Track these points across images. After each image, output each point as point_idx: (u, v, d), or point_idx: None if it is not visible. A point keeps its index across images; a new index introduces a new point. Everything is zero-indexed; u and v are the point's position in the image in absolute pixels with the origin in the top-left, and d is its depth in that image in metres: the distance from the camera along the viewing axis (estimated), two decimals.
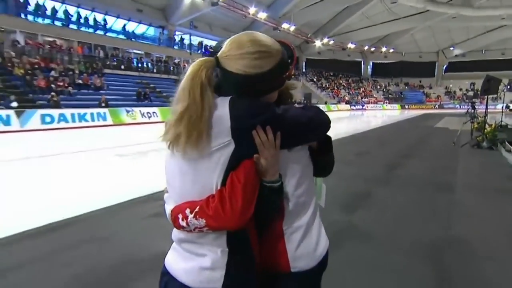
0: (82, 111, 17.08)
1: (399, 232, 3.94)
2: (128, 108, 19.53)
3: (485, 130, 11.06)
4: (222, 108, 0.99)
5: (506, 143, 9.82)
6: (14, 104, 15.02)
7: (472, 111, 13.70)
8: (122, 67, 24.63)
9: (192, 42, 32.41)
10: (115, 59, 24.67)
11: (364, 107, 41.95)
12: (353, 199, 5.23)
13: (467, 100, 42.11)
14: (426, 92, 47.63)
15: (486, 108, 11.70)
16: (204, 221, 0.98)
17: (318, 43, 38.82)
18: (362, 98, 44.76)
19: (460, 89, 46.62)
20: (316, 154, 1.18)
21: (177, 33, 30.47)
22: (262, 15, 29.40)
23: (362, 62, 50.42)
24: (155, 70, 27.11)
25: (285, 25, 32.39)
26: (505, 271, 3.11)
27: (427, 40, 44.97)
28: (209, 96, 0.98)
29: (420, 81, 49.46)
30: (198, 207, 0.98)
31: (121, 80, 23.40)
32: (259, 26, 32.31)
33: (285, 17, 31.71)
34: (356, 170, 7.24)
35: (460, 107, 40.90)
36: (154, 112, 20.76)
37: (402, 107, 42.43)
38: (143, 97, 22.22)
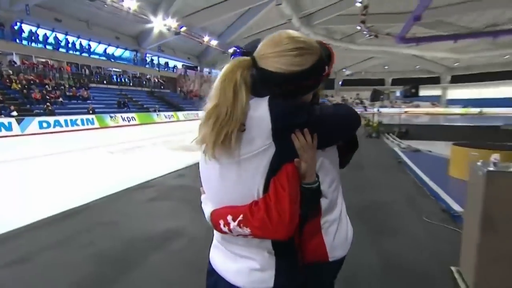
0: (73, 117, 15.73)
1: None
2: (112, 114, 18.32)
3: (373, 126, 12.08)
4: (261, 109, 0.74)
5: (386, 134, 10.96)
6: (14, 113, 13.44)
7: (365, 112, 14.86)
8: (105, 82, 23.06)
9: (160, 62, 31.17)
10: (98, 76, 23.03)
11: None
12: None
13: (360, 105, 45.20)
14: (329, 99, 50.01)
15: (373, 110, 12.67)
16: (249, 230, 0.74)
17: None
18: None
19: (351, 98, 49.76)
20: (344, 151, 0.93)
21: (147, 55, 29.03)
22: (214, 42, 29.04)
23: None
24: (131, 84, 25.69)
25: (230, 50, 32.16)
26: (406, 220, 3.30)
27: None
28: (243, 96, 0.73)
29: (325, 92, 51.73)
30: (241, 216, 0.75)
31: (104, 92, 21.83)
32: (211, 51, 31.86)
33: (231, 43, 31.46)
34: None
35: None
36: (132, 117, 19.71)
37: None
38: (123, 105, 20.97)
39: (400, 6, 25.06)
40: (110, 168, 6.48)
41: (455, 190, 4.02)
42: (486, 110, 35.51)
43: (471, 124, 16.07)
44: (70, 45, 21.73)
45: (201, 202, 0.92)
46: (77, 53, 22.25)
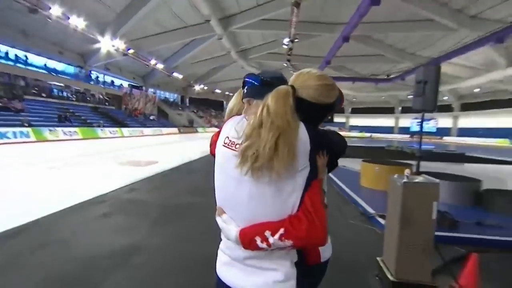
0: (3, 129, 13.01)
1: None
2: (51, 128, 15.71)
3: None
4: (301, 132, 0.76)
5: None
6: None
7: None
8: (43, 95, 19.74)
9: (105, 80, 28.30)
10: (36, 88, 19.61)
11: None
12: None
13: None
14: None
15: None
16: (291, 242, 0.72)
17: (197, 87, 38.44)
18: (224, 123, 45.68)
19: None
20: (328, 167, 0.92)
21: (93, 72, 26.14)
22: (160, 66, 27.73)
23: (224, 102, 51.90)
24: (74, 99, 22.60)
25: (175, 74, 31.06)
26: (338, 223, 3.54)
27: None
28: (297, 119, 0.76)
29: None
30: (282, 230, 0.72)
31: (43, 105, 18.62)
32: (157, 73, 30.39)
33: (176, 68, 30.58)
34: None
35: None
36: (74, 131, 17.19)
37: None
38: (64, 119, 18.21)
39: (316, 52, 27.96)
40: (54, 184, 5.41)
41: (367, 197, 4.50)
42: (374, 135, 41.55)
43: (366, 145, 18.58)
44: (2, 54, 18.25)
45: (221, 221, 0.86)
46: (11, 63, 18.77)
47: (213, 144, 1.02)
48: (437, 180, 2.08)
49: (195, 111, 43.40)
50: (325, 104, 0.82)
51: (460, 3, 17.45)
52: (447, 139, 35.39)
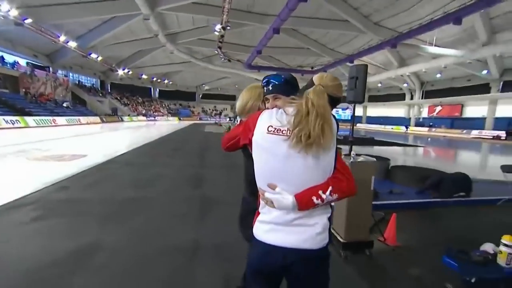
0: None
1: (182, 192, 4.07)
2: None
3: None
4: (332, 118, 1.00)
5: None
6: None
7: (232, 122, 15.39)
8: None
9: None
10: None
11: (156, 119, 39.73)
12: (191, 177, 4.82)
13: (217, 116, 47.35)
14: (192, 110, 50.08)
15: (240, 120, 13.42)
16: (337, 195, 0.95)
17: (120, 71, 34.06)
18: (153, 112, 42.41)
19: (209, 109, 51.63)
20: None
21: None
22: (72, 44, 23.43)
23: (152, 88, 47.86)
24: None
25: (93, 55, 26.90)
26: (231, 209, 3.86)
27: (190, 79, 46.75)
28: (330, 108, 1.00)
29: (188, 103, 51.44)
30: (330, 187, 0.95)
31: None
32: (69, 52, 25.67)
33: (94, 48, 26.43)
34: (182, 161, 6.66)
35: (209, 119, 45.30)
36: None
37: (179, 119, 42.71)
38: None
39: (247, 41, 28.29)
40: None
41: None
42: None
43: None
44: None
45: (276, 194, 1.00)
46: None
47: (242, 135, 1.14)
48: (374, 159, 2.57)
49: (118, 98, 38.83)
50: (338, 98, 1.09)
51: (367, 10, 20.26)
52: (359, 125, 41.40)
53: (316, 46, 27.95)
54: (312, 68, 32.26)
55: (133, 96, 43.02)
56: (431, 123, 32.94)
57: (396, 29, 20.74)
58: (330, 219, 1.05)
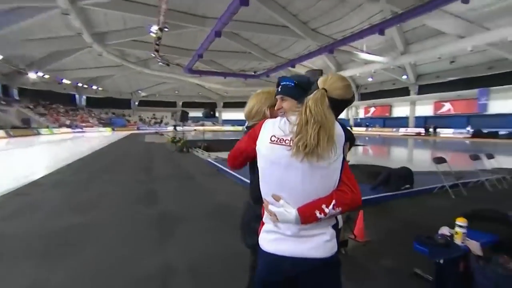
0: None
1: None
2: None
3: (181, 142, 12.50)
4: (337, 127, 0.99)
5: (193, 148, 11.72)
6: None
7: (175, 130, 14.98)
8: None
9: None
10: None
11: (84, 130, 35.37)
12: (140, 192, 4.44)
13: (157, 124, 44.77)
14: (127, 119, 46.38)
15: (183, 129, 12.95)
16: (341, 208, 0.95)
17: (32, 75, 29.33)
18: (80, 123, 37.71)
19: (148, 117, 48.59)
20: None
21: None
22: None
23: (77, 95, 42.69)
24: None
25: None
26: (196, 225, 3.44)
27: (124, 84, 43.45)
28: (331, 113, 0.97)
29: (123, 111, 47.50)
30: (334, 201, 0.95)
31: None
32: None
33: None
34: (126, 176, 6.09)
35: (148, 128, 42.71)
36: None
37: (113, 129, 39.03)
38: None
39: (186, 44, 27.67)
40: None
41: None
42: None
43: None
44: None
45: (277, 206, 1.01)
46: None
47: (248, 146, 1.13)
48: None
49: (31, 106, 33.52)
50: (347, 100, 1.07)
51: (305, 17, 21.99)
52: None
53: (258, 50, 28.98)
54: (255, 72, 33.28)
55: (52, 105, 37.74)
56: (367, 123, 37.17)
57: (332, 36, 22.96)
58: (336, 227, 1.06)
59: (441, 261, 1.94)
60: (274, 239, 1.03)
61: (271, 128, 1.03)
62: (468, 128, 24.16)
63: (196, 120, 44.79)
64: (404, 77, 29.43)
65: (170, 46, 27.35)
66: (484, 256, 2.03)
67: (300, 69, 29.86)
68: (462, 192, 4.67)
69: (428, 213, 3.86)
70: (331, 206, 0.95)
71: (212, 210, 3.99)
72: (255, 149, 1.07)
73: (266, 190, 1.03)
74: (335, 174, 0.97)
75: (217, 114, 51.20)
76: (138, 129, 42.81)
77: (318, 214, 0.94)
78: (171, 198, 4.72)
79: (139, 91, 47.06)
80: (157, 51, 25.53)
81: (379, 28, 16.98)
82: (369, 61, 25.12)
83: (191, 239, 3.02)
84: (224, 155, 9.98)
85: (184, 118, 12.52)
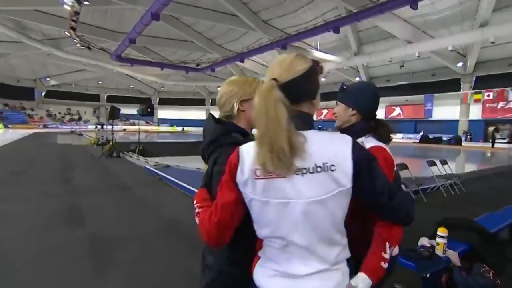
0: None
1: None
2: None
3: (110, 145, 11.60)
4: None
5: (125, 152, 10.97)
6: None
7: (100, 130, 13.82)
8: None
9: None
10: None
11: None
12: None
13: (73, 122, 40.38)
14: (29, 113, 40.84)
15: (112, 129, 11.91)
16: (393, 246, 0.97)
17: None
18: None
19: (59, 112, 43.69)
20: None
21: None
22: None
23: None
24: None
25: None
26: (140, 251, 3.10)
27: (24, 68, 38.04)
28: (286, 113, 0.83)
29: (21, 103, 41.62)
30: (387, 243, 0.94)
31: None
32: None
33: None
34: (36, 188, 5.17)
35: (61, 126, 38.42)
36: None
37: (6, 127, 33.99)
38: None
39: (115, 25, 25.77)
40: None
41: None
42: (187, 128, 44.56)
43: (182, 141, 19.88)
44: None
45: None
46: None
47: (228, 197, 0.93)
48: None
49: None
50: (312, 86, 0.90)
51: (256, 7, 22.52)
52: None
53: (202, 40, 28.57)
54: (198, 65, 32.67)
55: None
56: (319, 126, 39.53)
57: (285, 30, 23.93)
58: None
59: (427, 275, 2.10)
60: (273, 275, 0.89)
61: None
62: (421, 133, 27.39)
63: (125, 118, 41.93)
64: (357, 78, 32.22)
65: (92, 25, 25.13)
66: (463, 266, 2.27)
67: (250, 65, 30.42)
68: (423, 199, 5.23)
69: None
70: (388, 249, 0.93)
71: (161, 227, 3.75)
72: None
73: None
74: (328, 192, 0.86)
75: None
76: (45, 127, 38.19)
77: (383, 265, 0.91)
78: (104, 215, 4.29)
79: (47, 78, 41.70)
80: (73, 29, 23.00)
81: (334, 26, 18.28)
82: (323, 60, 26.85)
83: (137, 265, 2.74)
84: (165, 160, 9.55)
85: (114, 115, 11.51)
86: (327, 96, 37.67)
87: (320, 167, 0.80)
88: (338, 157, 0.81)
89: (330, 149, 0.82)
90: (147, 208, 4.70)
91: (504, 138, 23.61)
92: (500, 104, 24.51)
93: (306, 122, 0.86)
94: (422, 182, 5.49)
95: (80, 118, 43.43)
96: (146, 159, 9.67)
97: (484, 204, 4.79)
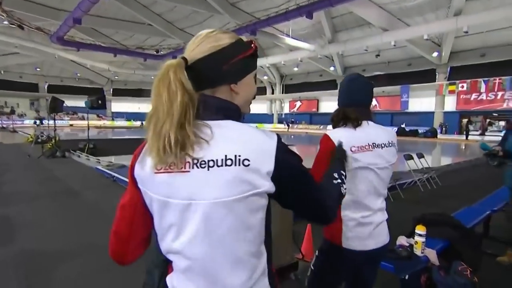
0: None
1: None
2: None
3: (53, 142, 11.03)
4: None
5: (71, 151, 10.47)
6: None
7: (39, 125, 13.02)
8: None
9: None
10: None
11: None
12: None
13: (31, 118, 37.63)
14: None
15: (55, 124, 11.14)
16: None
17: None
18: None
19: None
20: None
21: None
22: None
23: None
24: None
25: None
26: (89, 267, 2.94)
27: None
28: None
29: None
30: None
31: None
32: None
33: None
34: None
35: None
36: None
37: None
38: None
39: (56, 2, 24.18)
40: None
41: None
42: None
43: (140, 137, 19.10)
44: None
45: None
46: None
47: None
48: None
49: None
50: (236, 67, 0.79)
51: None
52: None
53: (161, 23, 27.77)
54: (157, 51, 31.79)
55: None
56: (292, 119, 40.11)
57: (254, 14, 23.88)
58: None
59: (406, 277, 2.15)
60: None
61: None
62: (403, 126, 28.55)
63: (72, 111, 39.85)
64: (332, 68, 33.01)
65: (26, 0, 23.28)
66: (441, 265, 2.36)
67: None
68: (401, 195, 5.45)
69: None
70: None
71: None
72: None
73: None
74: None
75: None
76: None
77: None
78: (43, 227, 4.03)
79: None
80: None
81: (307, 10, 18.53)
82: (295, 47, 27.17)
83: (85, 283, 2.57)
84: (121, 159, 9.18)
85: (56, 108, 10.77)
86: (301, 87, 38.56)
87: (230, 159, 0.69)
88: (256, 153, 0.71)
89: (248, 143, 0.72)
90: (99, 215, 4.48)
91: (477, 130, 25.39)
92: (473, 96, 26.03)
93: (219, 111, 0.76)
94: (399, 177, 5.72)
95: (12, 112, 40.39)
96: (98, 159, 9.23)
97: (460, 198, 5.09)
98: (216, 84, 0.78)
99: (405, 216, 3.03)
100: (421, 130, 26.68)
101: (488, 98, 25.22)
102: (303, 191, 0.79)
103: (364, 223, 1.41)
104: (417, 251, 2.34)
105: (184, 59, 0.75)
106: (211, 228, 0.70)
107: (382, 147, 1.43)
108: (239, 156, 0.69)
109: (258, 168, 0.70)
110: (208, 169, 0.69)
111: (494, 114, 24.95)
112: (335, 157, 1.17)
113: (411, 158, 6.47)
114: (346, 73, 33.67)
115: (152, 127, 0.70)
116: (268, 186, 0.71)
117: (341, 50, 27.93)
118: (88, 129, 12.14)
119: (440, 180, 6.71)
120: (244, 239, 0.72)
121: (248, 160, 0.69)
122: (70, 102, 40.19)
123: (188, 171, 0.70)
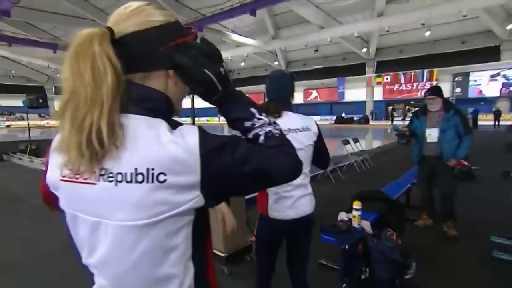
0: None
1: None
2: None
3: None
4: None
5: (10, 153, 9.49)
6: None
7: None
8: None
9: None
10: None
11: None
12: None
13: None
14: None
15: None
16: None
17: None
18: None
19: None
20: None
21: None
22: None
23: None
24: None
25: None
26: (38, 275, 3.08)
27: None
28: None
29: None
30: None
31: None
32: None
33: None
34: None
35: None
36: None
37: None
38: None
39: None
40: None
41: None
42: None
43: None
44: None
45: None
46: None
47: None
48: None
49: None
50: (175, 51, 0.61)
51: None
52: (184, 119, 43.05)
53: (104, 19, 25.48)
54: None
55: None
56: None
57: (200, 10, 23.26)
58: None
59: (347, 247, 2.35)
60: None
61: None
62: (343, 114, 30.30)
63: (8, 111, 35.75)
64: (276, 62, 33.61)
65: None
66: (374, 233, 2.61)
67: None
68: (341, 176, 5.83)
69: (318, 202, 4.60)
70: None
71: (66, 244, 3.15)
72: None
73: None
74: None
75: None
76: None
77: None
78: None
79: None
80: None
81: (250, 8, 18.53)
82: (241, 43, 27.11)
83: None
84: None
85: None
86: (247, 82, 38.64)
87: (141, 174, 0.52)
88: (174, 162, 0.53)
89: (164, 150, 0.54)
90: (47, 221, 4.08)
91: (400, 116, 28.03)
92: (396, 86, 29.13)
93: (140, 102, 0.57)
94: (339, 161, 6.09)
95: None
96: (42, 160, 8.42)
97: (388, 174, 5.58)
98: (150, 68, 0.60)
99: (346, 194, 3.26)
100: (356, 117, 28.72)
101: (407, 88, 28.48)
102: (248, 178, 0.60)
103: (286, 197, 1.56)
104: (355, 223, 2.56)
105: (110, 29, 0.57)
106: (123, 252, 0.56)
107: (297, 131, 1.57)
108: (152, 170, 0.52)
109: (177, 182, 0.54)
110: (116, 184, 0.53)
111: (412, 102, 27.70)
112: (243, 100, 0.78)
113: (348, 143, 6.92)
114: (289, 67, 34.59)
115: (70, 116, 0.53)
116: (194, 201, 0.56)
117: (284, 46, 28.59)
118: (29, 129, 10.98)
119: (372, 160, 7.28)
120: (165, 262, 0.58)
121: (164, 175, 0.53)
122: (5, 101, 36.08)
123: (95, 184, 0.55)
